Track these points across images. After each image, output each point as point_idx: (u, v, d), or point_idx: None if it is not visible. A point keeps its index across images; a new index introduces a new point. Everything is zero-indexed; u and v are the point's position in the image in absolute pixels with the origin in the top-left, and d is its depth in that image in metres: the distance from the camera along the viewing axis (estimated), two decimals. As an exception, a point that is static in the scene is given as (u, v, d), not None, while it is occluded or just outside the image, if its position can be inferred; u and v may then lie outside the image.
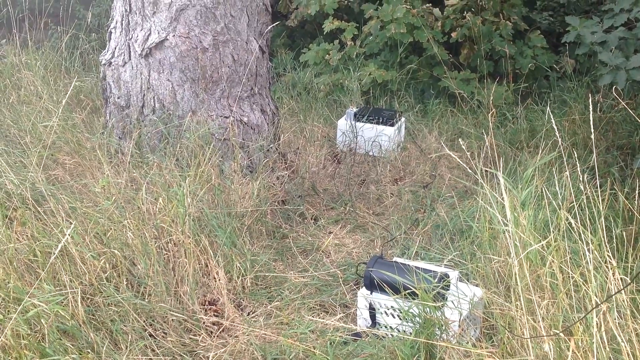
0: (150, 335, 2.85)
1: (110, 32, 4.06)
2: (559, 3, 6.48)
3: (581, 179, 2.48)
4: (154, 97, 3.90)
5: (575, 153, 2.98)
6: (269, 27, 4.10)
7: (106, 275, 2.91)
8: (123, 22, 3.93)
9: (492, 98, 5.06)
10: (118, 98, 4.02)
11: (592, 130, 2.32)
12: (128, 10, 3.87)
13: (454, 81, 5.53)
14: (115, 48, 4.01)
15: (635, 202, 2.95)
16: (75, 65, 5.99)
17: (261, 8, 4.02)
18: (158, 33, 3.80)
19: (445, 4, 5.89)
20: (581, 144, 4.42)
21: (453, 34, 5.72)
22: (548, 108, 3.57)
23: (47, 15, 6.51)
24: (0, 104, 4.90)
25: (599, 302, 2.18)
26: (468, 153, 2.99)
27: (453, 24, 5.75)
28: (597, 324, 2.13)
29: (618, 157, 4.30)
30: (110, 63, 4.02)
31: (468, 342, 2.66)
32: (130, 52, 3.92)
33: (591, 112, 2.40)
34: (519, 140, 4.81)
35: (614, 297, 2.24)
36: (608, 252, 2.32)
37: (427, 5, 5.95)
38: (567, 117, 4.79)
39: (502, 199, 2.55)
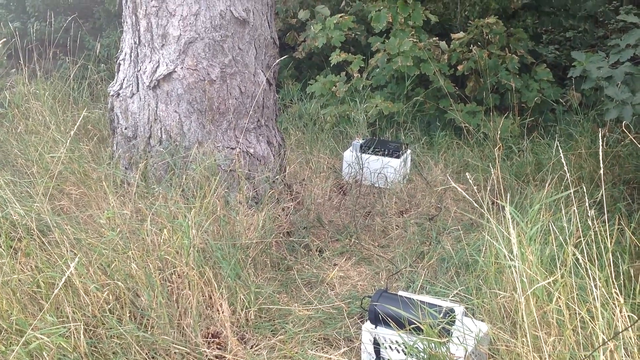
0: (153, 368, 2.82)
1: (119, 64, 4.09)
2: (564, 37, 6.53)
3: (589, 214, 2.47)
4: (161, 128, 3.92)
5: (583, 187, 2.97)
6: (277, 60, 4.14)
7: (109, 306, 2.89)
8: (132, 54, 3.96)
9: (499, 131, 5.07)
10: (125, 129, 4.04)
11: (602, 165, 2.31)
12: (137, 42, 3.91)
13: (460, 113, 5.55)
14: (123, 79, 4.04)
15: (643, 237, 2.94)
16: (83, 96, 6.03)
17: (269, 41, 4.06)
18: (166, 65, 3.84)
19: (452, 38, 5.95)
20: (587, 178, 4.41)
21: (459, 67, 5.76)
22: (556, 141, 3.57)
23: (56, 45, 6.59)
24: (9, 134, 4.93)
25: (606, 340, 2.16)
26: (475, 186, 2.99)
27: (459, 57, 5.79)
28: (604, 362, 2.10)
29: (624, 192, 4.28)
30: (119, 94, 4.05)
31: (474, 379, 2.63)
32: (138, 84, 3.95)
33: (601, 147, 2.39)
34: (524, 173, 4.80)
35: (621, 334, 2.21)
36: (615, 288, 2.30)
37: (434, 38, 6.00)
38: (573, 150, 4.79)
39: (509, 233, 2.54)
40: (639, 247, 3.15)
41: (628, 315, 2.28)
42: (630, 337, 2.24)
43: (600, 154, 2.51)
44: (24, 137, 4.69)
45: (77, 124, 3.69)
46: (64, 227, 3.23)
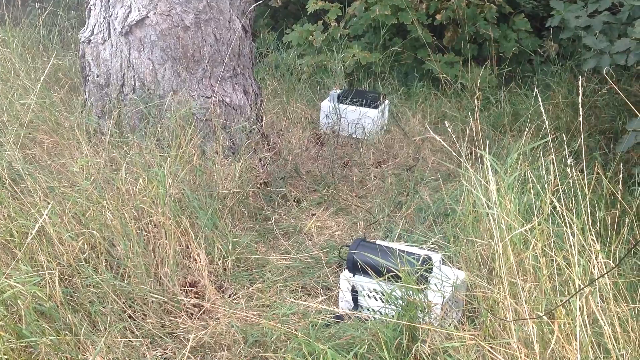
0: (130, 317, 2.81)
1: (90, 9, 3.97)
2: (543, -13, 6.46)
3: (567, 162, 2.47)
4: (134, 76, 3.83)
5: (562, 135, 2.97)
6: (252, 6, 4.04)
7: (85, 256, 2.86)
8: (103, -2, 3.84)
9: (478, 81, 5.04)
10: (97, 76, 3.94)
11: (581, 113, 2.29)
12: (108, -14, 3.79)
13: (437, 64, 5.50)
14: (94, 25, 3.92)
15: (619, 186, 2.95)
16: (53, 43, 5.87)
17: (244, -14, 3.96)
18: (139, 10, 3.72)
19: (430, -14, 5.85)
20: (564, 128, 4.42)
21: (437, 16, 5.68)
22: (535, 91, 3.55)
23: (24, -9, 6.38)
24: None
25: (582, 286, 2.18)
26: (454, 136, 2.97)
27: (437, 6, 5.71)
28: (579, 307, 2.12)
29: (601, 142, 4.31)
30: (90, 41, 3.94)
31: (450, 325, 2.66)
32: (110, 30, 3.84)
33: (580, 96, 2.37)
34: (502, 124, 4.80)
35: (597, 281, 2.23)
36: (592, 235, 2.31)
37: (412, -14, 5.90)
38: (550, 101, 4.79)
39: (487, 181, 2.53)
40: (615, 196, 3.17)
41: (604, 262, 2.30)
42: (605, 284, 2.27)
43: (580, 103, 2.50)
44: (-8, 85, 4.57)
45: (47, 70, 3.59)
46: (37, 175, 3.16)
